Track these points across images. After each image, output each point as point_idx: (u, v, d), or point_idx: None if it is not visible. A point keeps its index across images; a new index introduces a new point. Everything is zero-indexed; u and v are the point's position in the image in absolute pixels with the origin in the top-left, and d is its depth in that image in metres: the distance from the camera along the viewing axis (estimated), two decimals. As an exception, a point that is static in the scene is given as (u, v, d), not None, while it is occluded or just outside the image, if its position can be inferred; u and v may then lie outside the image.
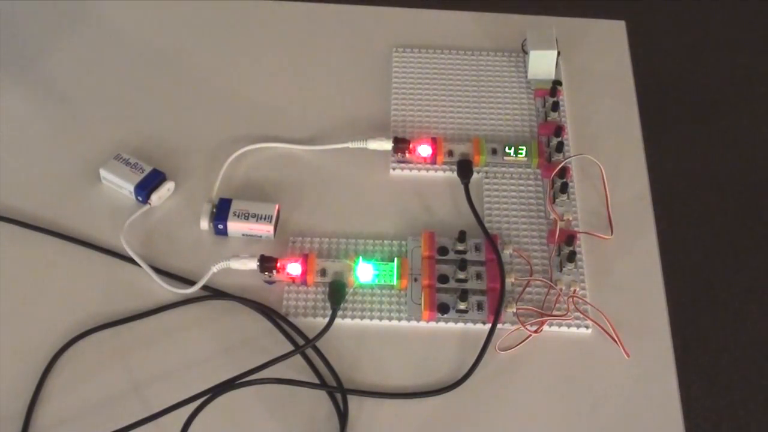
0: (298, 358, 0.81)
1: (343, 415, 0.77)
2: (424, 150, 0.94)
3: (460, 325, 0.83)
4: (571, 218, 0.90)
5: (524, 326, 0.82)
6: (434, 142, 0.94)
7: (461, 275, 0.85)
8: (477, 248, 0.87)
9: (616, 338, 0.82)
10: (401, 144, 0.94)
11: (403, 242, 0.88)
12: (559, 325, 0.83)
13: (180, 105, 1.00)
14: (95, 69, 1.03)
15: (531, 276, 0.86)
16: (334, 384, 0.79)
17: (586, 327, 0.83)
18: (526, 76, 1.02)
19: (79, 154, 0.95)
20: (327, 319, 0.82)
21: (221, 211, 0.88)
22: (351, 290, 0.85)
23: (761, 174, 1.81)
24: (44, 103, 1.00)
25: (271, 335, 0.83)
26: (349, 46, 1.06)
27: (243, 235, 0.89)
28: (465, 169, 0.93)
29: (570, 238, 0.86)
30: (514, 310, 0.83)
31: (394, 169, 0.95)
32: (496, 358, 0.82)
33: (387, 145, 0.94)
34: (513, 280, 0.85)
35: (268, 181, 0.94)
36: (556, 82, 0.99)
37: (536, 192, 0.92)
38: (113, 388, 0.79)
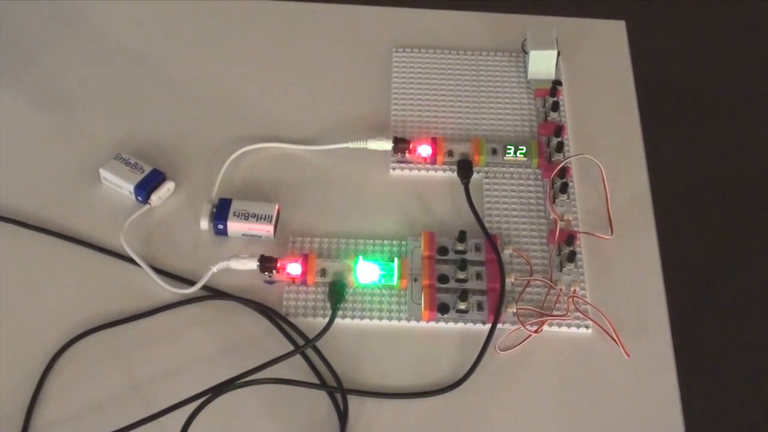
0: (298, 358, 0.81)
1: (343, 415, 0.77)
2: (424, 150, 0.94)
3: (460, 325, 0.83)
4: (571, 218, 0.90)
5: (524, 326, 0.82)
6: (434, 142, 0.94)
7: (461, 275, 0.85)
8: (477, 248, 0.87)
9: (616, 338, 0.82)
10: (401, 144, 0.94)
11: (403, 242, 0.88)
12: (559, 325, 0.83)
13: (180, 105, 1.00)
14: (95, 69, 1.03)
15: (531, 276, 0.86)
16: (334, 384, 0.79)
17: (586, 327, 0.83)
18: (526, 76, 1.02)
19: (79, 154, 0.95)
20: (327, 319, 0.82)
21: (221, 211, 0.88)
22: (351, 290, 0.85)
23: (761, 174, 1.81)
24: (44, 103, 1.00)
25: (271, 335, 0.83)
26: (349, 46, 1.06)
27: (243, 235, 0.89)
28: (465, 169, 0.93)
29: (570, 238, 0.86)
30: (514, 310, 0.83)
31: (394, 169, 0.95)
32: (496, 358, 0.82)
33: (387, 145, 0.94)
34: (513, 280, 0.85)
35: (268, 181, 0.94)
36: (556, 82, 0.99)
37: (536, 192, 0.92)
38: (113, 388, 0.79)
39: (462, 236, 0.86)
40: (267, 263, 0.84)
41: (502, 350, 0.82)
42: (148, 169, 0.91)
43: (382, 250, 0.88)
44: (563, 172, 0.91)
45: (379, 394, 0.79)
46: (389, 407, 0.79)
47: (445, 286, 0.85)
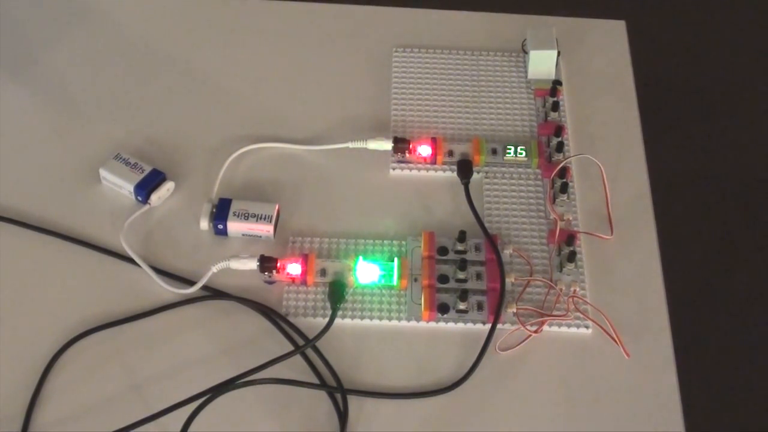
0: (298, 358, 0.81)
1: (342, 415, 0.77)
2: (424, 150, 0.94)
3: (460, 325, 0.83)
4: (571, 218, 0.90)
5: (524, 326, 0.82)
6: (434, 142, 0.94)
7: (461, 275, 0.85)
8: (477, 248, 0.87)
9: (616, 338, 0.82)
10: (401, 144, 0.94)
11: (403, 242, 0.88)
12: (559, 325, 0.83)
13: (180, 105, 1.00)
14: (95, 68, 1.03)
15: (531, 276, 0.86)
16: (334, 384, 0.79)
17: (586, 327, 0.83)
18: (526, 76, 1.02)
19: (79, 154, 0.95)
20: (327, 319, 0.82)
21: (221, 211, 0.88)
22: (351, 290, 0.85)
23: (761, 174, 1.81)
24: (44, 103, 1.00)
25: (271, 335, 0.83)
26: (349, 46, 1.06)
27: (243, 235, 0.89)
28: (465, 169, 0.93)
29: (570, 238, 0.86)
30: (514, 310, 0.83)
31: (394, 169, 0.95)
32: (496, 358, 0.82)
33: (387, 145, 0.94)
34: (513, 280, 0.85)
35: (268, 181, 0.94)
36: (556, 82, 0.99)
37: (536, 192, 0.92)
38: (113, 388, 0.79)
39: (462, 236, 0.86)
40: (267, 263, 0.84)
41: (502, 350, 0.82)
42: (148, 169, 0.91)
43: (382, 250, 0.88)
44: (563, 172, 0.91)
45: (379, 394, 0.79)
46: (389, 407, 0.79)
47: (445, 286, 0.85)
